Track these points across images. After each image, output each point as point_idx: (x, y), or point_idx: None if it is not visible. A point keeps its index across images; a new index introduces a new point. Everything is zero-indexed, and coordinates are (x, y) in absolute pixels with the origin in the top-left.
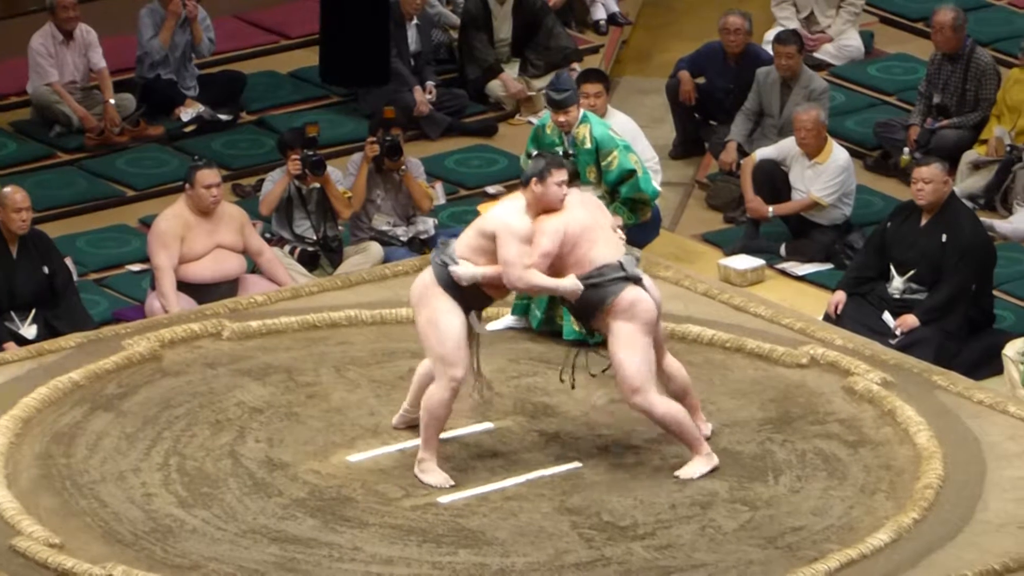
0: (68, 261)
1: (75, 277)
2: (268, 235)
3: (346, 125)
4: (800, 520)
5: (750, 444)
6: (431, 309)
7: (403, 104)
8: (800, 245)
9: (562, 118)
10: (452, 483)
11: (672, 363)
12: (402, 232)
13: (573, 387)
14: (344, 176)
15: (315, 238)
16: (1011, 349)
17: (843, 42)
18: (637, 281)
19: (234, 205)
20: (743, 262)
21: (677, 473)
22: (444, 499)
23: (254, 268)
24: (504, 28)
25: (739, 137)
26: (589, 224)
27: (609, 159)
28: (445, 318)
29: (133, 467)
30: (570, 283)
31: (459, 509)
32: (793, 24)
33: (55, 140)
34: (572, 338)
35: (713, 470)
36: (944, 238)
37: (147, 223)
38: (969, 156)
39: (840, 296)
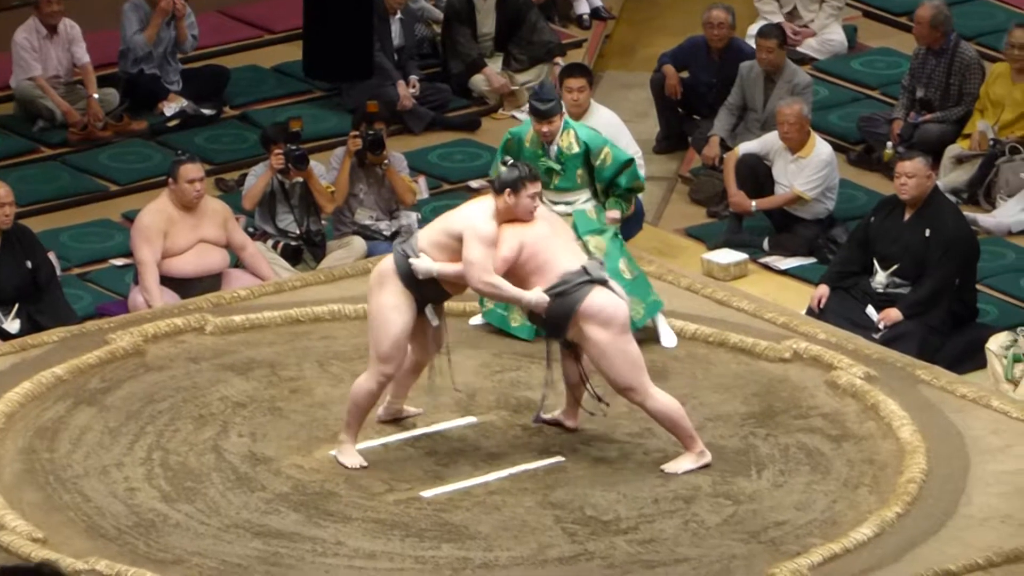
0: (51, 256)
1: (58, 272)
2: (251, 230)
3: (329, 120)
4: (783, 514)
5: (733, 438)
6: (382, 299)
7: (386, 98)
8: (783, 239)
9: (546, 128)
10: (366, 464)
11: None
12: (385, 226)
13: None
14: (327, 170)
15: (298, 232)
16: (994, 343)
17: (826, 36)
18: (603, 284)
19: (217, 200)
20: (726, 256)
21: (664, 467)
22: (427, 493)
23: (237, 263)
24: (487, 23)
25: (722, 132)
26: (548, 234)
27: (602, 156)
28: (392, 314)
29: (116, 462)
30: (535, 295)
31: (442, 503)
32: (777, 18)
33: (38, 135)
34: (529, 336)
35: (704, 466)
36: (927, 232)
37: (130, 218)
38: (952, 150)
39: (823, 290)
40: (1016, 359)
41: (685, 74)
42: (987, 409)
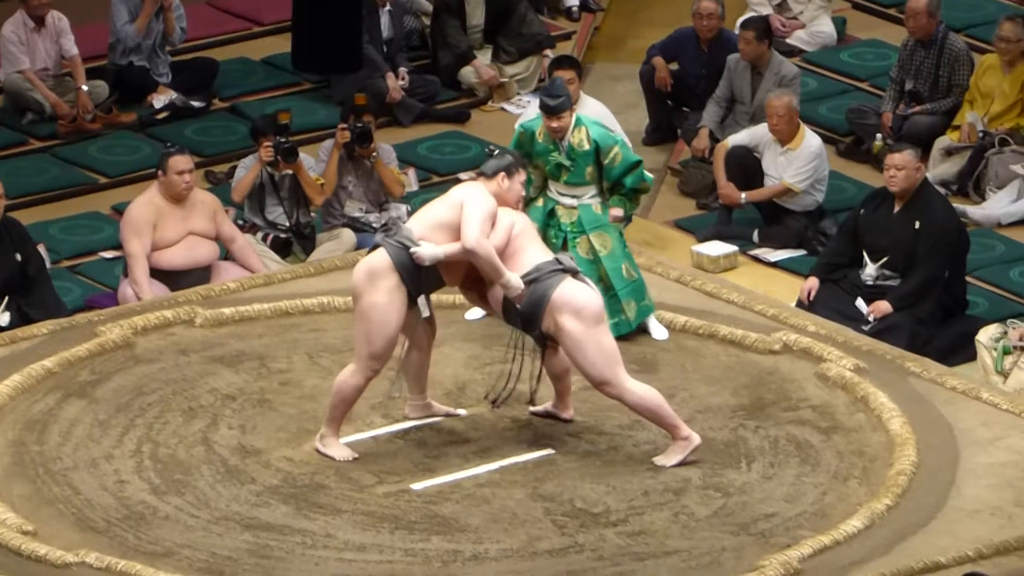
0: (41, 248)
1: (48, 264)
2: (240, 222)
3: (318, 112)
4: (773, 507)
5: (723, 431)
6: (375, 297)
7: (375, 90)
8: (772, 231)
9: (555, 124)
10: (356, 456)
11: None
12: (374, 218)
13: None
14: (316, 163)
15: (287, 225)
16: (984, 335)
17: (815, 28)
18: (575, 275)
19: (206, 192)
20: (716, 248)
21: (654, 459)
22: (417, 486)
23: (227, 255)
24: (476, 15)
25: (711, 123)
26: (528, 226)
27: (612, 155)
28: (388, 313)
29: (106, 454)
30: (513, 277)
31: (432, 496)
32: (766, 10)
33: (27, 127)
34: None
35: (694, 450)
36: (917, 224)
37: (120, 210)
38: (942, 142)
39: (813, 282)
40: (1006, 351)
41: (674, 66)
42: (977, 401)
